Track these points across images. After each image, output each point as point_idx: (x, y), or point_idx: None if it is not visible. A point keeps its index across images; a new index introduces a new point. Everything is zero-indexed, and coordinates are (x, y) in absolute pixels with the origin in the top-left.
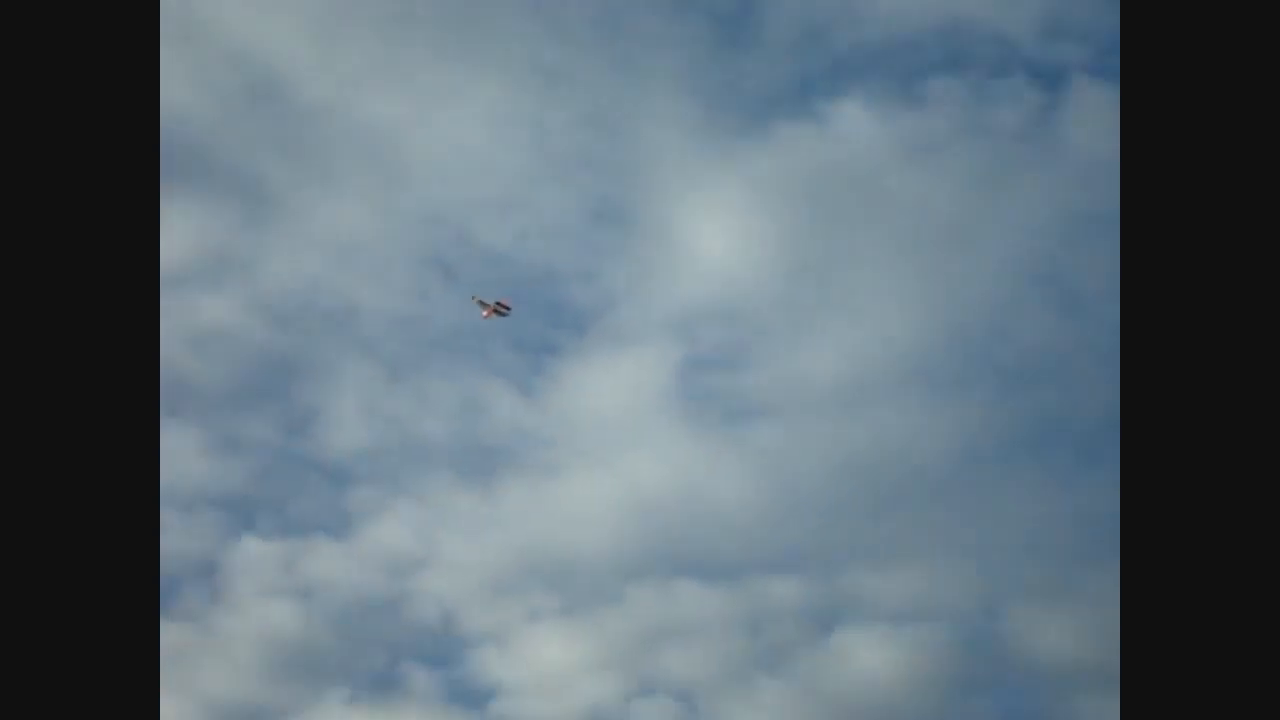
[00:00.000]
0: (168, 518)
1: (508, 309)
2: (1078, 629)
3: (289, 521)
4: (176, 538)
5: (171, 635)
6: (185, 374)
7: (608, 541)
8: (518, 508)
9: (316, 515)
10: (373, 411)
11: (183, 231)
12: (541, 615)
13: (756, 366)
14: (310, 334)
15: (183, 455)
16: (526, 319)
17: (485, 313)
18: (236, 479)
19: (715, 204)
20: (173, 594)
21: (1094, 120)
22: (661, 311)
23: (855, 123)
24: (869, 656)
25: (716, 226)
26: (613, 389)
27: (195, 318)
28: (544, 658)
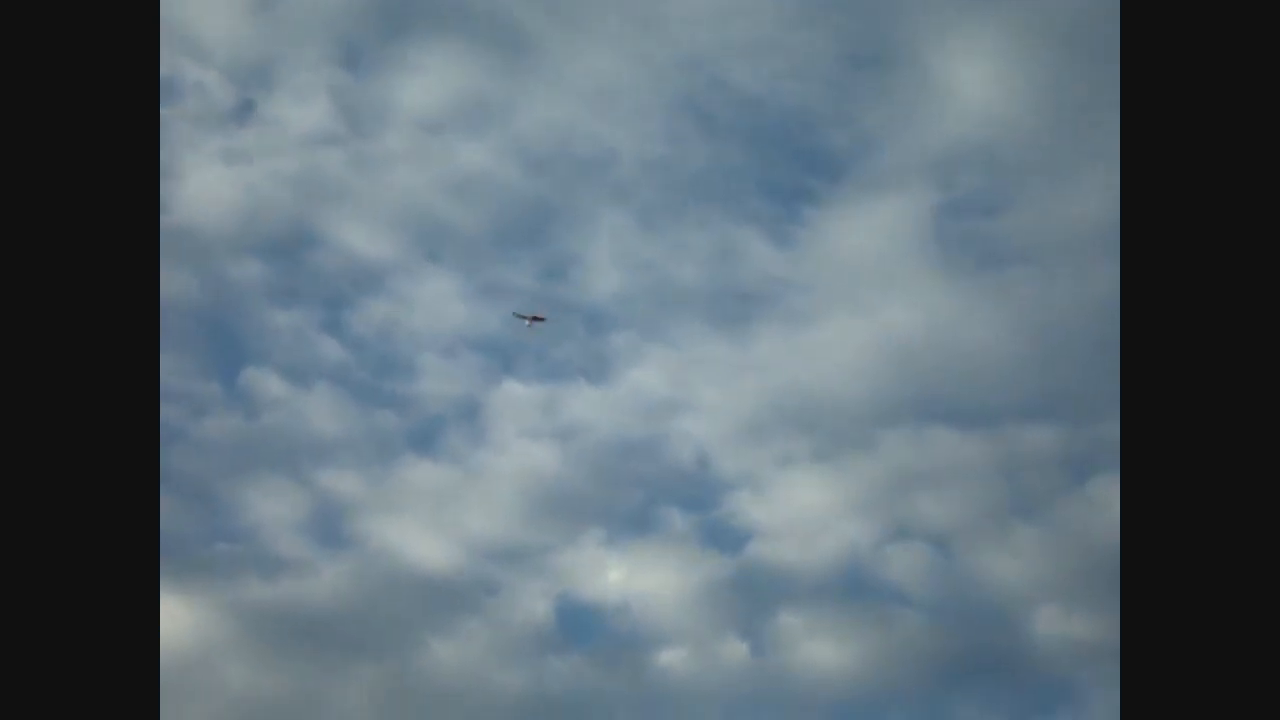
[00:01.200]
0: (430, 361)
1: (543, 319)
2: None
3: (547, 366)
4: (439, 381)
5: (436, 476)
6: (446, 221)
7: (861, 387)
8: (771, 354)
9: (574, 360)
10: (628, 258)
11: (441, 79)
12: (795, 460)
13: (1014, 211)
14: (566, 180)
15: (445, 300)
16: (781, 165)
17: (527, 322)
18: (496, 324)
19: (974, 45)
20: (437, 436)
21: None
22: (918, 156)
23: None
24: None
25: (975, 69)
26: (867, 235)
27: (454, 164)
28: (797, 502)
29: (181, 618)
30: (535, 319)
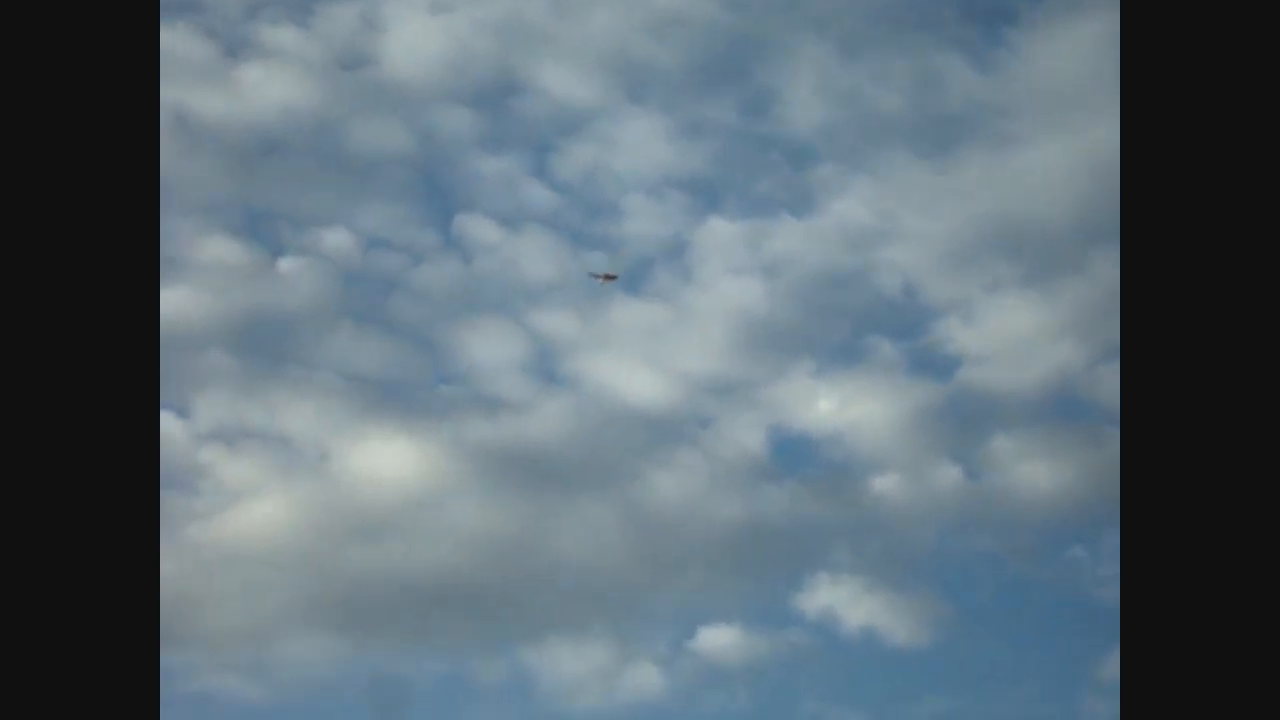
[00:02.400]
0: (635, 202)
1: (614, 277)
2: None
3: (751, 201)
4: (645, 221)
5: (647, 314)
6: (646, 61)
7: (1069, 208)
8: (976, 179)
9: (778, 194)
10: (828, 89)
11: None
12: (1003, 284)
13: None
14: (765, 13)
15: (648, 141)
16: None
17: (600, 280)
18: (700, 162)
19: None
20: (645, 275)
21: None
22: None
23: None
24: None
25: None
26: (1070, 54)
27: (653, 3)
28: (1007, 326)
29: (408, 458)
30: (608, 277)
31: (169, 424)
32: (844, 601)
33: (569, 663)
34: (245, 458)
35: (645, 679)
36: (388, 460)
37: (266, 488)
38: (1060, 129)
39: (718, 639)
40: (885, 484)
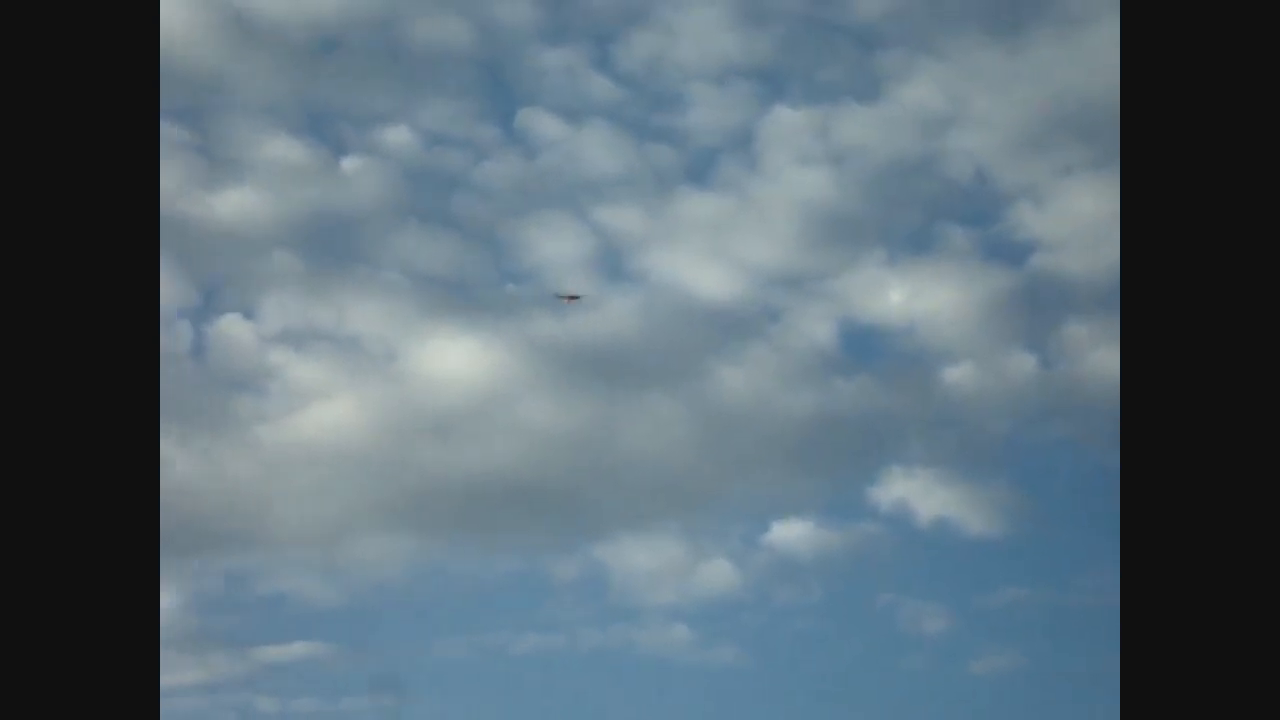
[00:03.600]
0: (700, 91)
1: (579, 298)
2: None
3: (818, 89)
4: (710, 111)
5: (713, 207)
6: None
7: None
8: (1047, 60)
9: (845, 81)
10: None
11: None
12: (1075, 169)
13: None
14: None
15: (711, 29)
16: None
17: (565, 300)
18: (764, 49)
19: None
20: (711, 167)
21: None
22: None
23: None
24: None
25: None
26: None
27: None
28: (1080, 211)
29: (475, 357)
30: (572, 298)
31: (235, 326)
32: (917, 493)
33: (642, 559)
34: (313, 359)
35: (718, 574)
36: (455, 360)
37: (335, 389)
38: None
39: (790, 533)
40: (958, 374)
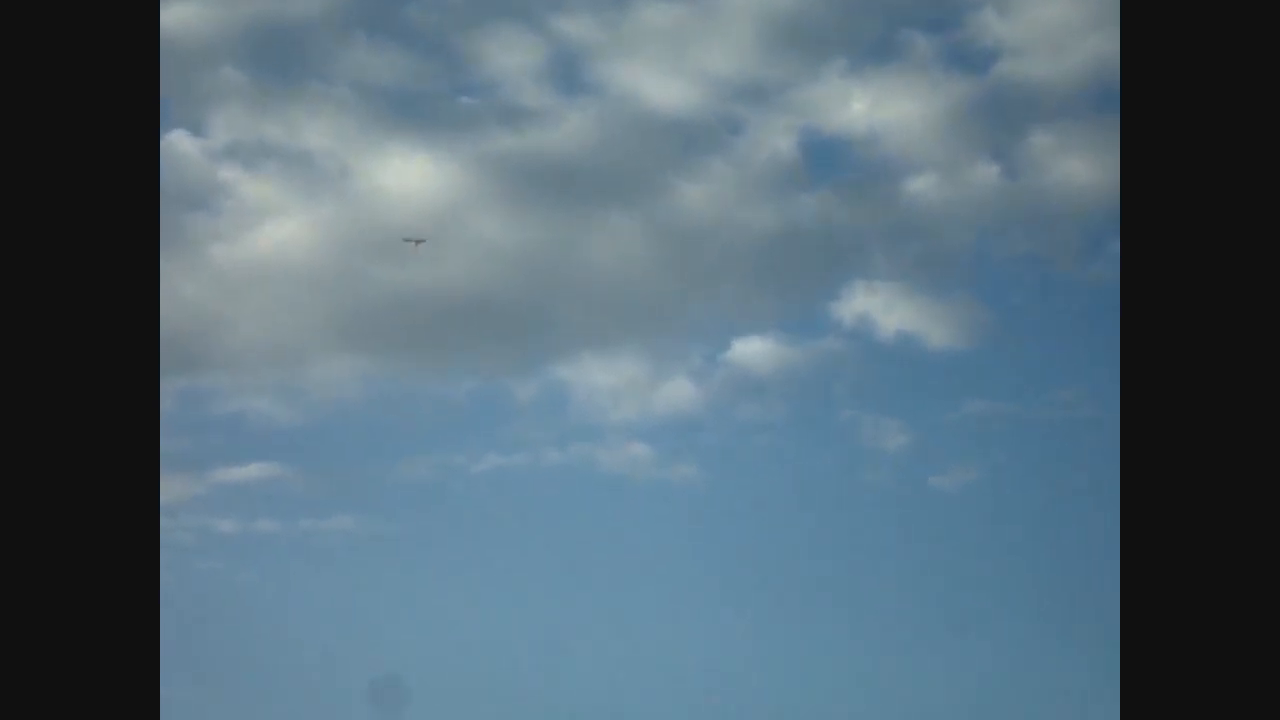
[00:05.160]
0: None
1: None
2: None
3: None
4: None
5: (672, 15)
6: None
7: None
8: None
9: None
10: None
11: None
12: None
13: None
14: None
15: None
16: None
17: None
18: None
19: None
20: None
21: None
22: None
23: None
24: None
25: None
26: None
27: None
28: (1045, 15)
29: (429, 173)
30: (418, 241)
31: (183, 142)
32: (880, 308)
33: (602, 378)
34: (264, 176)
35: (679, 392)
36: (409, 176)
37: (288, 206)
38: None
39: (751, 350)
40: (921, 185)
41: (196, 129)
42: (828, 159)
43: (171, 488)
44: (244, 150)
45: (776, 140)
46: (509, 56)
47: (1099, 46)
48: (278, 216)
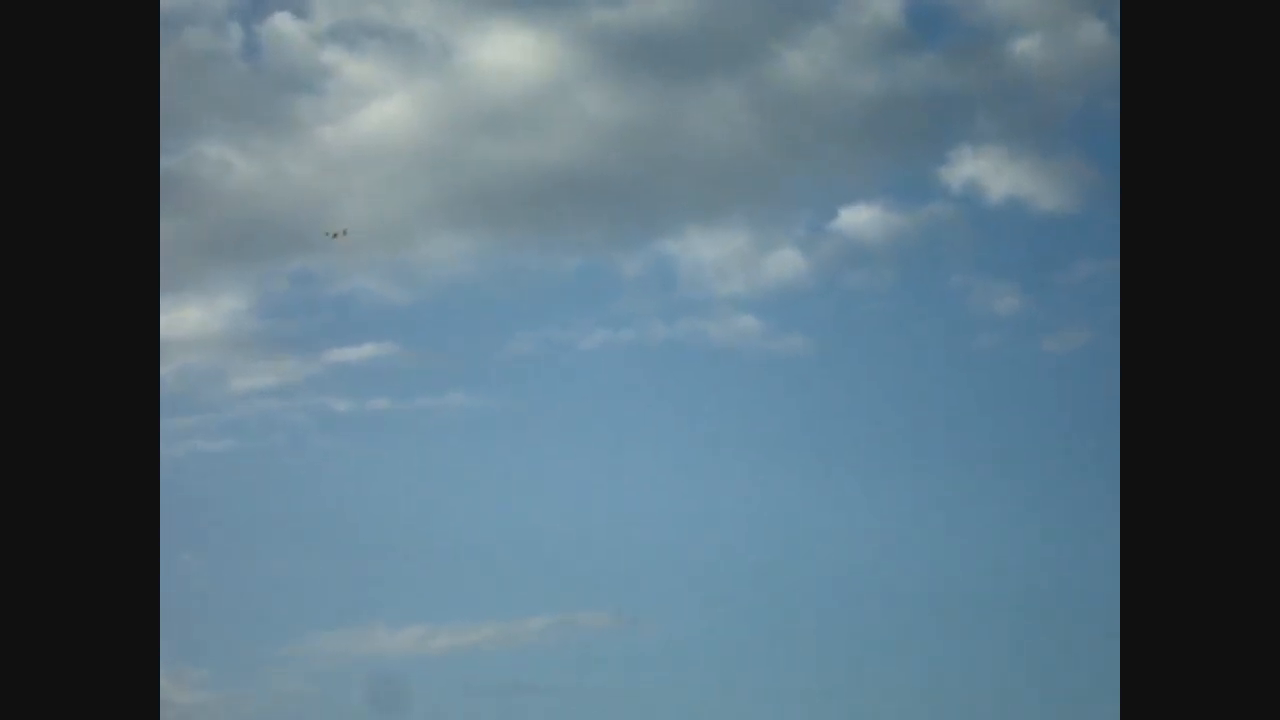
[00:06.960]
0: None
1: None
2: None
3: None
4: None
5: None
6: None
7: None
8: None
9: None
10: None
11: None
12: None
13: None
14: None
15: None
16: None
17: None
18: None
19: None
20: None
21: None
22: None
23: None
24: None
25: None
26: None
27: None
28: None
29: (531, 49)
30: (341, 234)
31: (286, 25)
32: (988, 172)
33: (708, 251)
34: (368, 57)
35: (786, 262)
36: (511, 52)
37: (392, 86)
38: None
39: (858, 218)
40: (1027, 46)
41: (300, 11)
42: (932, 22)
43: (286, 369)
44: (347, 31)
45: (880, 4)
46: None
47: None
48: (382, 97)
